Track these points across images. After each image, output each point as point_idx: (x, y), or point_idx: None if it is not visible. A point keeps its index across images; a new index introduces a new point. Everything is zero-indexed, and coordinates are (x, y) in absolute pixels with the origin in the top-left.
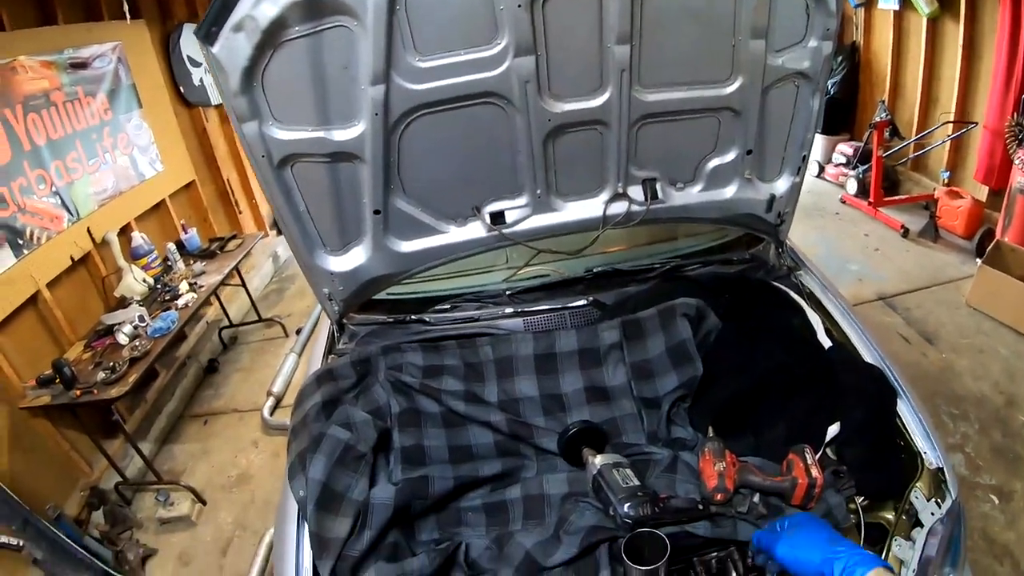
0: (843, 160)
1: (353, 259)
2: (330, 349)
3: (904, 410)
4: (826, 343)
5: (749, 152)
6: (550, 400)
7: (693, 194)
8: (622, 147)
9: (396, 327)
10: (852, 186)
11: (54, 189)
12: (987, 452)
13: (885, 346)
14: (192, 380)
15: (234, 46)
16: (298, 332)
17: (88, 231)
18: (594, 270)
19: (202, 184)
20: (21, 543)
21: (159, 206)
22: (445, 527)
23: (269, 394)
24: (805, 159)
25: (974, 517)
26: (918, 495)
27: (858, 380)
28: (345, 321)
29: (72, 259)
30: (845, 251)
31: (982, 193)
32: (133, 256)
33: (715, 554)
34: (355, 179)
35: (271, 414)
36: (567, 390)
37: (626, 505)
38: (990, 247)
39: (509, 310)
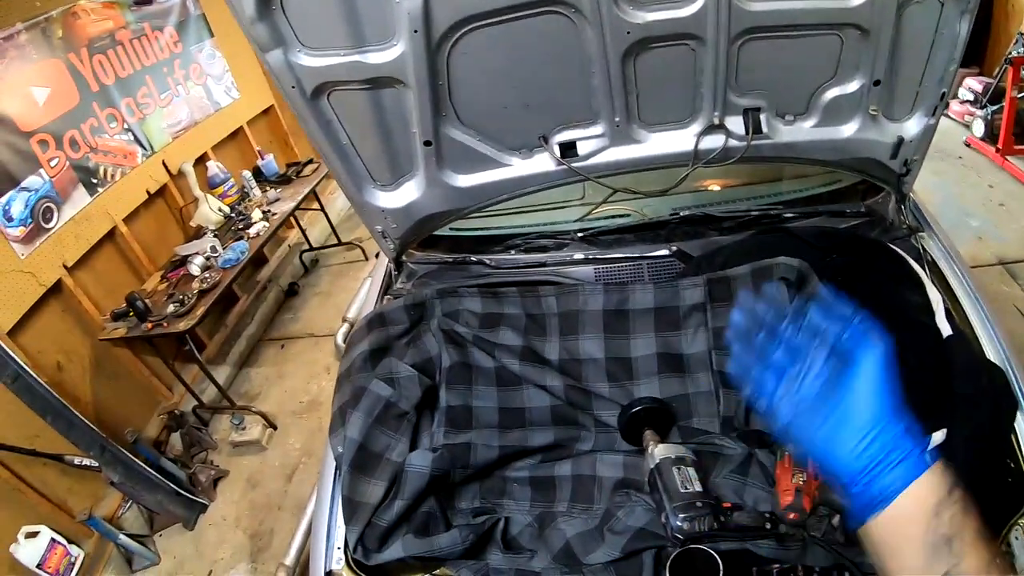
0: (970, 97)
1: (406, 195)
2: (387, 289)
3: (1022, 426)
4: (945, 330)
5: (877, 83)
6: (617, 365)
7: (805, 129)
8: (720, 68)
9: (456, 268)
10: (979, 128)
11: (126, 126)
12: None
13: (999, 320)
14: (272, 304)
15: None
16: (377, 256)
17: (163, 164)
18: (681, 213)
19: (282, 108)
20: (99, 466)
21: (237, 134)
22: (488, 496)
23: (344, 320)
24: (944, 97)
25: None
26: (1019, 535)
27: (977, 382)
28: (404, 258)
29: (148, 193)
30: (966, 202)
31: None
32: (209, 185)
33: (776, 566)
34: (401, 106)
35: (344, 340)
36: (637, 355)
37: (680, 517)
38: None
39: (579, 256)
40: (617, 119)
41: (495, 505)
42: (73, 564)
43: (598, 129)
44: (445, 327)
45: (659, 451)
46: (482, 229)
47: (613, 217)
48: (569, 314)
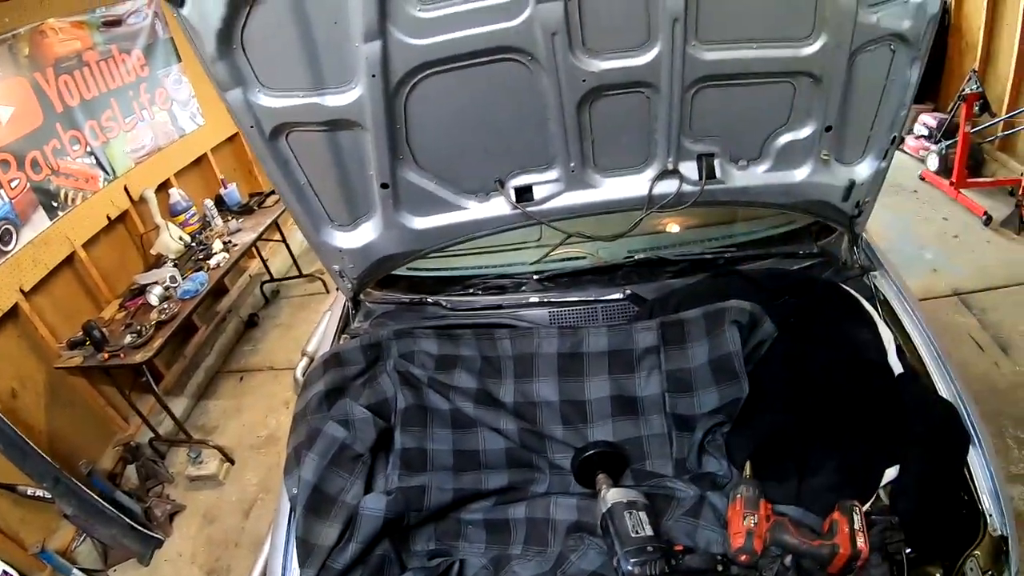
0: (925, 132)
1: (363, 235)
2: (344, 327)
3: (975, 460)
4: (897, 368)
5: (828, 129)
6: (571, 408)
7: (757, 174)
8: (674, 115)
9: (413, 309)
10: (933, 162)
11: (89, 149)
12: None
13: (955, 351)
14: (231, 335)
15: (206, 5)
16: (338, 289)
17: (125, 189)
18: (635, 256)
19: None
20: (52, 498)
21: (200, 161)
22: (442, 538)
23: (303, 354)
24: (895, 141)
25: None
26: (973, 566)
27: (928, 420)
28: (361, 298)
29: (109, 218)
30: (921, 235)
31: None
32: (171, 213)
33: None
34: (359, 148)
35: (303, 375)
36: (591, 397)
37: (631, 561)
38: None
39: (535, 299)
40: (572, 164)
41: (450, 547)
42: None
43: (554, 174)
44: (401, 368)
45: (611, 495)
46: (439, 269)
47: (569, 260)
48: (524, 357)
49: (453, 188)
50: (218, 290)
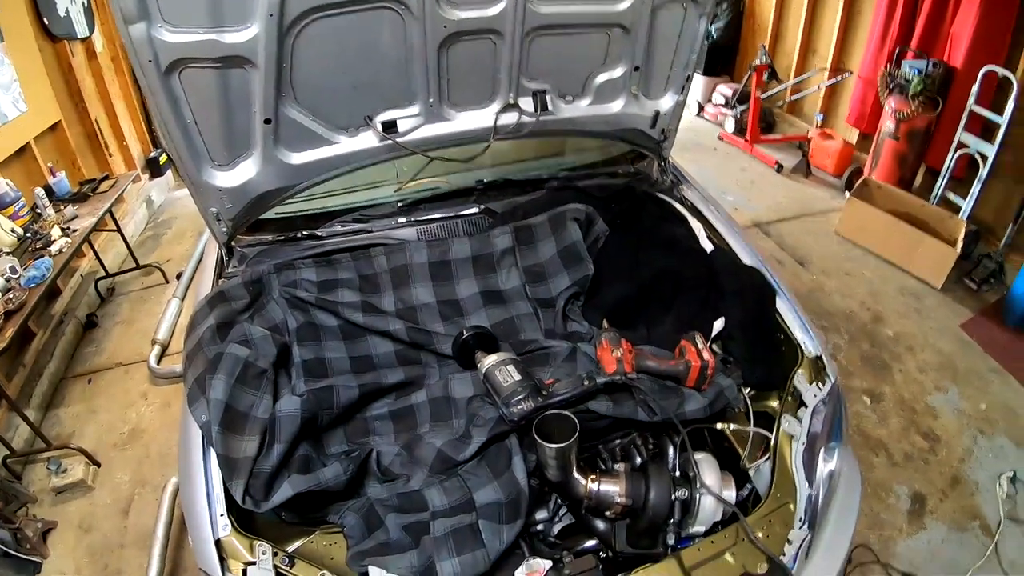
0: (722, 100)
1: (242, 173)
2: (219, 274)
3: (783, 307)
4: (708, 248)
5: (636, 68)
6: (447, 306)
7: (581, 107)
8: (515, 58)
9: (288, 245)
10: (730, 124)
11: None
12: (857, 360)
13: (750, 238)
14: (71, 338)
15: None
16: (179, 277)
17: None
18: (484, 180)
19: (68, 125)
20: None
21: (23, 150)
22: (353, 438)
23: (154, 342)
24: (689, 79)
25: (849, 416)
26: (800, 380)
27: (739, 280)
28: (234, 244)
29: None
30: (722, 183)
31: (852, 136)
32: None
33: (618, 441)
34: (245, 87)
35: (158, 363)
36: (463, 295)
37: (507, 405)
38: (858, 183)
39: (402, 220)
40: (431, 100)
41: (362, 444)
42: None
43: (415, 109)
44: (286, 295)
45: (486, 362)
46: (309, 210)
47: (428, 189)
48: (399, 269)
49: (327, 124)
50: (51, 292)
